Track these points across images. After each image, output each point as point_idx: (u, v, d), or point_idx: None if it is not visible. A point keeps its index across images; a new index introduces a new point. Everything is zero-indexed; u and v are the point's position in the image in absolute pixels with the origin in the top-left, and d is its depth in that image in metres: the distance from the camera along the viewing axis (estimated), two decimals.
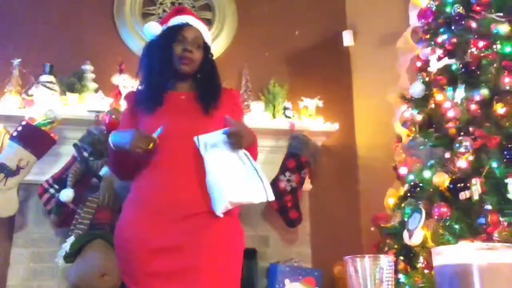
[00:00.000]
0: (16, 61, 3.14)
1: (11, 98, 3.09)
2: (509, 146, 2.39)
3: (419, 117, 2.92)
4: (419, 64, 3.07)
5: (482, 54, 2.62)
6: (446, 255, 0.83)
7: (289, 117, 3.52)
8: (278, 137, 3.46)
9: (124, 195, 2.13)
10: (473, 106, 2.58)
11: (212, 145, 1.81)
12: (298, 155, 3.37)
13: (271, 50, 3.82)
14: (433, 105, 2.87)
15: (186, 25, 1.99)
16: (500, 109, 2.47)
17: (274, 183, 3.28)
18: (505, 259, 0.79)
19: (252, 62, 3.66)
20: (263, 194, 1.78)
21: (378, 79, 3.74)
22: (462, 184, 2.46)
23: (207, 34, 2.08)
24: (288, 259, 3.32)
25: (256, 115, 3.39)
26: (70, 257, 2.76)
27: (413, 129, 2.95)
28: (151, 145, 1.78)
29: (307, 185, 3.52)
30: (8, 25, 3.42)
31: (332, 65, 3.93)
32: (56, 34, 3.47)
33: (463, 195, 2.44)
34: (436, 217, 2.49)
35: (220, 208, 1.76)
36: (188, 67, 1.98)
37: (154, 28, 2.04)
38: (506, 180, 2.34)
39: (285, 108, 3.55)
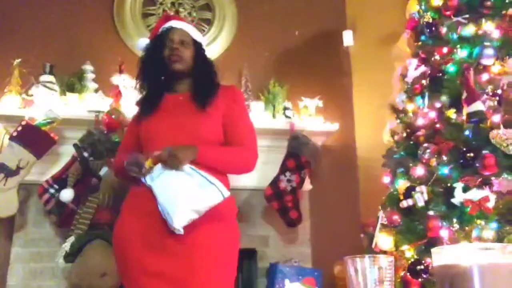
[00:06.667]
0: (16, 61, 3.14)
1: (11, 98, 3.09)
2: (464, 150, 2.40)
3: (399, 127, 2.97)
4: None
5: (442, 60, 2.65)
6: (446, 255, 0.83)
7: (289, 117, 3.52)
8: (278, 137, 3.46)
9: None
10: (432, 114, 2.62)
11: (156, 175, 1.81)
12: (298, 155, 3.37)
13: (271, 50, 3.83)
14: (411, 114, 2.90)
15: (170, 29, 2.04)
16: (453, 114, 2.52)
17: (275, 183, 3.30)
18: (505, 259, 0.79)
19: (252, 62, 3.66)
20: (219, 194, 1.78)
21: (378, 79, 3.74)
22: (413, 192, 2.51)
23: (194, 32, 2.10)
24: (288, 259, 3.31)
25: (256, 115, 3.38)
26: (70, 257, 2.77)
27: (393, 139, 3.01)
28: (145, 168, 1.80)
29: (307, 185, 3.52)
30: (8, 25, 3.42)
31: (332, 65, 3.93)
32: (56, 34, 3.48)
33: (404, 204, 2.51)
34: (388, 224, 2.57)
35: (181, 220, 1.71)
36: (179, 64, 2.00)
37: (144, 43, 2.14)
38: (455, 184, 2.35)
39: (285, 108, 3.55)
